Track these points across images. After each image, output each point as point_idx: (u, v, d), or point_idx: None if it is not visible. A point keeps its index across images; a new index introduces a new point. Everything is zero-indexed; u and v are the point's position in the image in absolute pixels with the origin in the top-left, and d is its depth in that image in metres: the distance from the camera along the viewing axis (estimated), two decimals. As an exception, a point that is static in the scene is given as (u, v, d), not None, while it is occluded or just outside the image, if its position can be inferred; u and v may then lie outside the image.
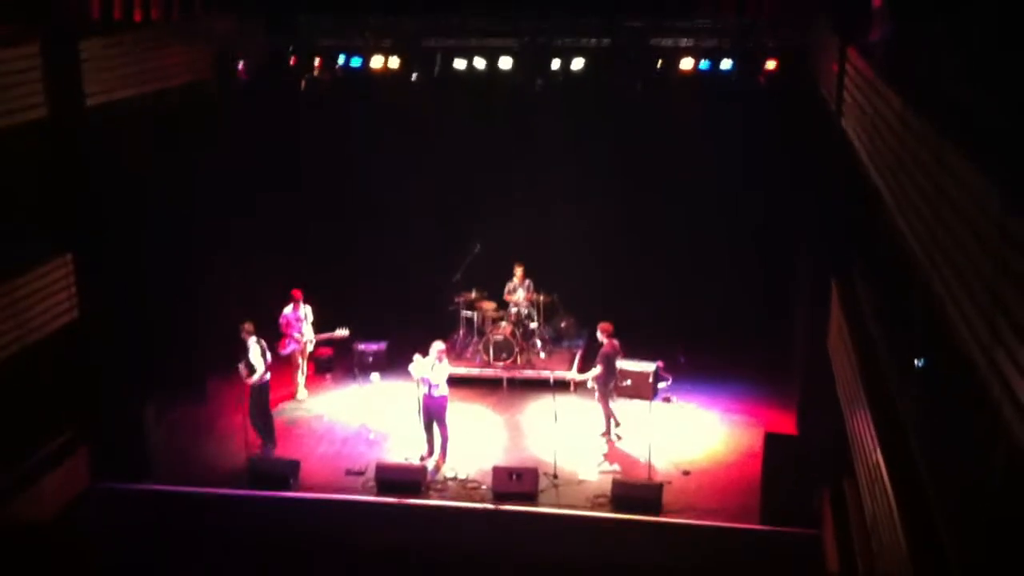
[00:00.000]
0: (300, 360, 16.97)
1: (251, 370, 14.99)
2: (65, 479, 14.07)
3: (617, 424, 15.65)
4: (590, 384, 15.51)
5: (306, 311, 16.73)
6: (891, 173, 8.51)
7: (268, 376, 15.19)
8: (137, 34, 14.74)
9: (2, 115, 12.20)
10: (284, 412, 16.70)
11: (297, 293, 16.59)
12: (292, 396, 17.06)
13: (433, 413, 14.88)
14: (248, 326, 15.17)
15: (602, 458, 15.13)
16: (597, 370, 15.30)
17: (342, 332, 16.87)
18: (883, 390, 9.50)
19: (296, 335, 16.64)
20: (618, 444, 15.46)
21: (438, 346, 14.84)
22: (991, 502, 6.31)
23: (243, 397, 15.11)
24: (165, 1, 15.83)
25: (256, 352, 14.99)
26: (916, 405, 8.57)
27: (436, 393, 14.76)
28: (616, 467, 14.86)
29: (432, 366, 14.69)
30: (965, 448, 7.08)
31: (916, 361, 8.85)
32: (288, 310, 16.61)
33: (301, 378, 17.11)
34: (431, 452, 15.06)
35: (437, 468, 14.86)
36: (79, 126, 13.57)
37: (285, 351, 16.62)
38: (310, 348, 17.06)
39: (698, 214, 18.12)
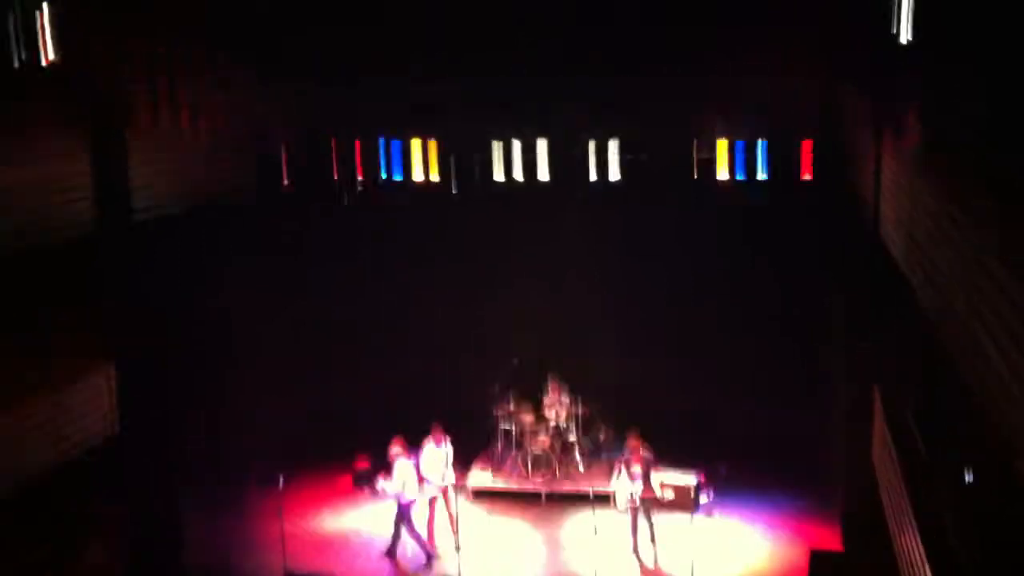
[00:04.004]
0: (447, 504, 15.55)
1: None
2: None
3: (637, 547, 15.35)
4: (637, 502, 15.13)
5: (447, 451, 15.46)
6: (928, 278, 8.46)
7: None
8: (184, 141, 15.05)
9: (49, 228, 12.44)
10: (322, 524, 16.57)
11: (438, 432, 15.41)
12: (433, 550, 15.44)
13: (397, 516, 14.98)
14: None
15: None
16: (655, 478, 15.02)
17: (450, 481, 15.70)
18: (931, 503, 9.27)
19: (436, 477, 15.34)
20: (656, 560, 15.11)
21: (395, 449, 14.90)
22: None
23: (280, 508, 15.02)
24: (211, 109, 16.19)
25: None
26: (965, 519, 8.35)
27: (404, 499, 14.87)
28: None
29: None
30: (1016, 563, 6.87)
31: (965, 474, 8.65)
32: (430, 448, 15.40)
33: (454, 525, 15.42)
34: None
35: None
36: (122, 231, 13.79)
37: (422, 493, 15.43)
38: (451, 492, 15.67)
39: (736, 321, 18.01)
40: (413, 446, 15.77)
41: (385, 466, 17.04)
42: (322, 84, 17.43)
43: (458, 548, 15.00)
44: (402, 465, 15.03)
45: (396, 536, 15.26)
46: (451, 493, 15.57)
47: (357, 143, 17.91)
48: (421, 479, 15.22)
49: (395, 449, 15.07)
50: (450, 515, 15.40)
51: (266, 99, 17.17)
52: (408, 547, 15.33)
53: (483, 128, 17.45)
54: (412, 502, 15.13)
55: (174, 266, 14.93)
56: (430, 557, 15.22)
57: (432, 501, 15.41)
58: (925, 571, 8.73)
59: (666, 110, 16.78)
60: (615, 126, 17.04)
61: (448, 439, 15.51)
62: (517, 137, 17.13)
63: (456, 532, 15.24)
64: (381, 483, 15.10)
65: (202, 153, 15.45)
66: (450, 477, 15.49)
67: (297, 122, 17.72)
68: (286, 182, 17.26)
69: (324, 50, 16.76)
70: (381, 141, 17.73)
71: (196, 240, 15.29)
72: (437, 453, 15.38)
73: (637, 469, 14.93)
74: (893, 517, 10.96)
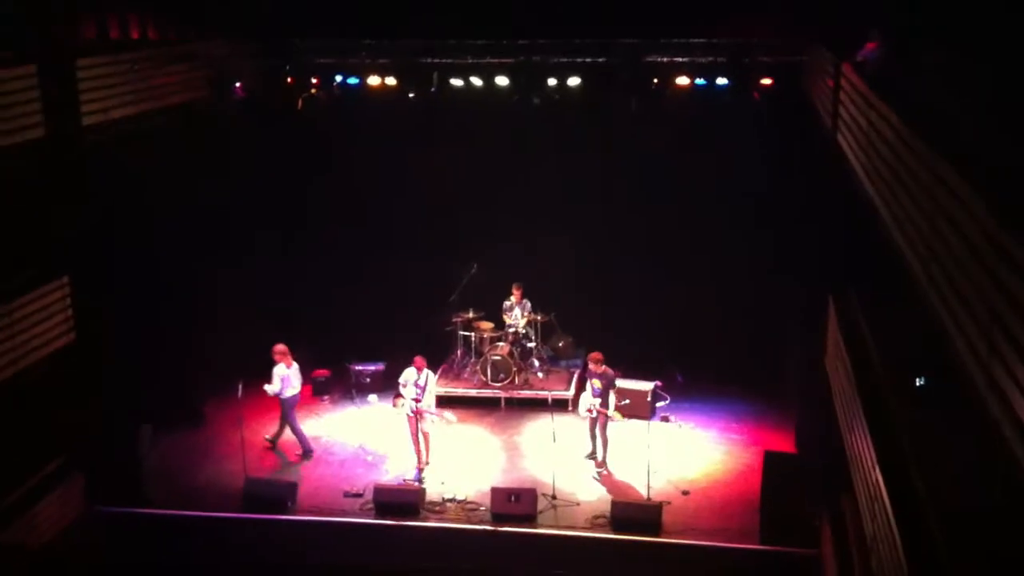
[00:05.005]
0: (419, 429, 15.30)
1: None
2: (61, 504, 13.97)
3: (595, 454, 15.52)
4: (593, 413, 15.33)
5: (428, 377, 15.34)
6: (887, 188, 8.50)
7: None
8: (134, 54, 14.71)
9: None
10: (282, 432, 16.65)
11: (419, 361, 15.25)
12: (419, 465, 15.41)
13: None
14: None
15: (600, 480, 15.07)
16: (612, 399, 15.11)
17: (449, 417, 16.28)
18: (882, 408, 9.46)
19: (408, 396, 15.19)
20: (613, 466, 15.31)
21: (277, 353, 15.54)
22: (990, 520, 6.27)
23: (242, 418, 15.14)
24: (161, 22, 15.84)
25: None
26: (915, 423, 8.53)
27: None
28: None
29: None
30: (965, 465, 7.04)
31: (916, 379, 8.82)
32: (409, 371, 15.23)
33: (423, 450, 15.39)
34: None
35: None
36: (76, 146, 13.52)
37: (397, 408, 15.60)
38: (431, 419, 15.40)
39: (693, 231, 18.02)
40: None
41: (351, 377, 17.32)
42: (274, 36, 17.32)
43: (426, 461, 15.27)
44: (280, 369, 15.48)
45: (281, 429, 15.98)
46: (431, 418, 15.37)
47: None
48: (399, 395, 15.35)
49: (277, 352, 15.53)
50: (423, 433, 15.31)
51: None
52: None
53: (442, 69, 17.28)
54: (292, 399, 15.68)
55: (126, 173, 14.74)
56: (308, 452, 15.91)
57: (411, 420, 15.28)
58: (875, 473, 8.93)
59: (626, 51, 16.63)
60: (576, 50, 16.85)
61: (426, 368, 15.33)
62: (477, 74, 16.93)
63: (427, 448, 15.35)
64: (266, 386, 15.56)
65: (153, 65, 15.06)
66: (426, 402, 15.27)
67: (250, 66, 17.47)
68: (238, 85, 16.90)
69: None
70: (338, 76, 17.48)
71: (149, 147, 15.05)
72: (414, 377, 15.17)
73: (597, 384, 15.08)
74: (844, 421, 11.18)
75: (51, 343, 13.57)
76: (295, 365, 15.69)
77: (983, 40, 6.47)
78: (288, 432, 15.95)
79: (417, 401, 15.07)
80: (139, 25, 15.42)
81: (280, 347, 15.58)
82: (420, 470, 15.22)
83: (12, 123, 12.34)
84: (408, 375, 15.28)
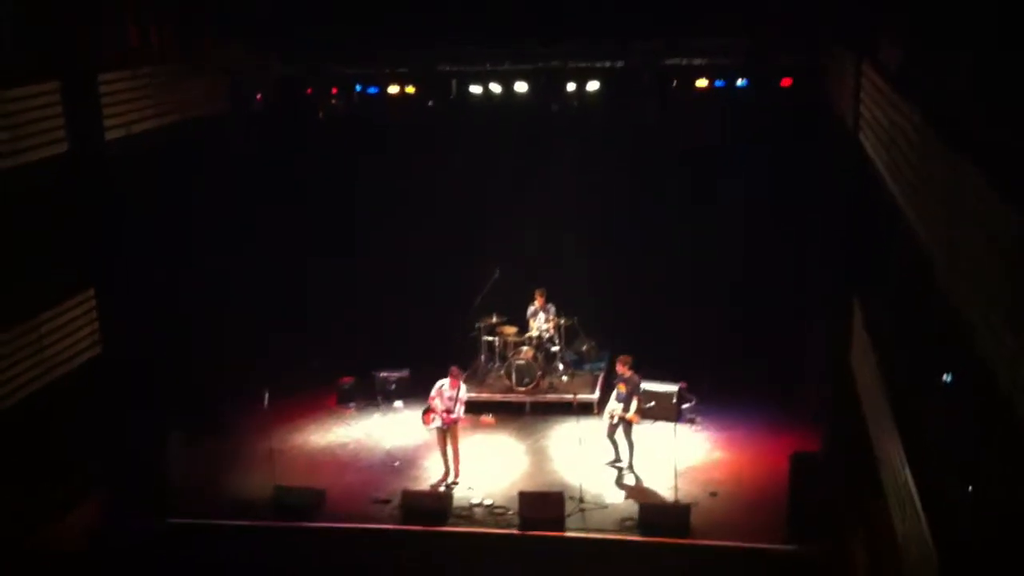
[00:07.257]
0: (447, 439, 15.17)
1: None
2: (88, 514, 14.08)
3: (619, 459, 15.45)
4: (614, 420, 15.29)
5: (462, 389, 15.11)
6: (909, 186, 8.47)
7: None
8: (154, 68, 14.83)
9: (24, 151, 12.29)
10: (308, 440, 16.71)
11: (455, 371, 15.13)
12: (444, 478, 15.26)
13: None
14: None
15: (629, 484, 15.03)
16: (635, 404, 15.08)
17: (487, 419, 16.73)
18: (910, 407, 9.40)
19: (443, 413, 14.97)
20: (640, 469, 15.28)
21: None
22: (1022, 517, 6.22)
23: (266, 427, 15.18)
24: (181, 34, 15.94)
25: None
26: (944, 421, 8.47)
27: None
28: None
29: None
30: (995, 463, 6.99)
31: (944, 376, 8.76)
32: (444, 385, 15.03)
33: (451, 466, 15.23)
34: None
35: None
36: (99, 160, 13.66)
37: (429, 425, 15.22)
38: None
39: (716, 233, 18.01)
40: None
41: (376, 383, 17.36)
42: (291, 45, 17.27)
43: (456, 479, 15.10)
44: None
45: None
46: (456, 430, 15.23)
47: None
48: (432, 411, 15.03)
49: None
50: (455, 449, 15.19)
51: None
52: None
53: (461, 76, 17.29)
54: None
55: (150, 185, 14.85)
56: None
57: (440, 434, 15.17)
58: (905, 473, 8.89)
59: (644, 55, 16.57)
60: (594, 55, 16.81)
61: (462, 383, 15.22)
62: (495, 80, 16.95)
63: (457, 462, 15.20)
64: None
65: (173, 77, 15.17)
66: (457, 413, 15.07)
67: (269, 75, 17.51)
68: (259, 96, 16.99)
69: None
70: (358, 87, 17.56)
71: (171, 158, 15.16)
72: (448, 392, 15.06)
73: (622, 389, 15.05)
74: (872, 421, 11.12)
75: (78, 356, 13.70)
76: None
77: (1008, 36, 6.42)
78: None
79: (449, 412, 14.93)
80: (159, 38, 15.50)
81: None
82: (448, 485, 15.07)
83: (37, 139, 12.53)
84: (442, 386, 15.13)
